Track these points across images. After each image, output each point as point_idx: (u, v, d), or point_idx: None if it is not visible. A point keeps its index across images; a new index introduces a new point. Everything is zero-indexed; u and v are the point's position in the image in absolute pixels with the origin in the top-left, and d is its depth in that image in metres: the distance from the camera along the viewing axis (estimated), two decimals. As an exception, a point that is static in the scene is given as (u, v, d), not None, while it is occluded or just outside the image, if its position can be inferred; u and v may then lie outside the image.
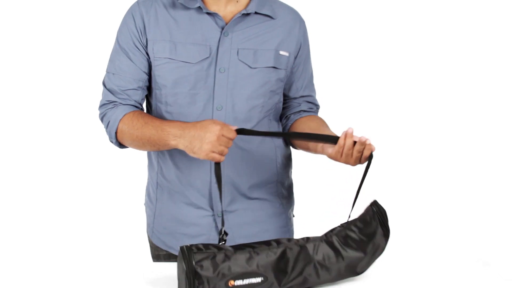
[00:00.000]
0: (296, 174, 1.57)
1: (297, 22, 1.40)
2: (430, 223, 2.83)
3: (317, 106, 1.52)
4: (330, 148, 1.21)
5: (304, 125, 1.40)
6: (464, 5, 2.83)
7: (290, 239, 1.12)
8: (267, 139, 1.39)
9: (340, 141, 1.16)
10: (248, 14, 1.31)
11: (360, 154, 1.16)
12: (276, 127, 1.43)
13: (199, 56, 1.28)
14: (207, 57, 1.29)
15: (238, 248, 1.08)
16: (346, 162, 1.19)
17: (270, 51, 1.33)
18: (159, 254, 1.46)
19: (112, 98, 1.32)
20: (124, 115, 1.30)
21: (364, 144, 1.15)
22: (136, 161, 2.12)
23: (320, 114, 1.52)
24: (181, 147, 1.22)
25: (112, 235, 2.74)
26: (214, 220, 1.36)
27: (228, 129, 1.18)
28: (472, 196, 2.88)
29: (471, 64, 2.88)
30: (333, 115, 1.67)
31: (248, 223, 1.38)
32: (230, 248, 1.07)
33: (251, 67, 1.31)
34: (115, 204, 2.83)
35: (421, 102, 2.88)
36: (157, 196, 1.43)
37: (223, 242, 1.15)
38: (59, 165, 2.88)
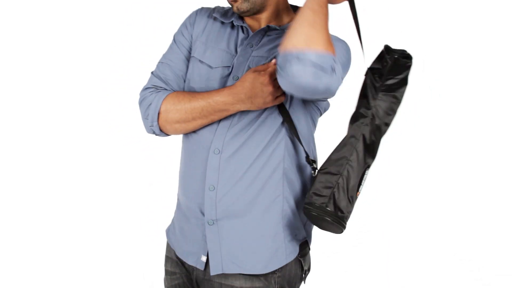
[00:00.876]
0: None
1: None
2: (428, 223, 2.85)
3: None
4: None
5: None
6: (462, 5, 2.85)
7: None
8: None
9: None
10: (279, 31, 1.31)
11: None
12: (291, 148, 1.33)
13: (221, 63, 1.31)
14: (228, 66, 1.30)
15: (329, 170, 1.24)
16: None
17: None
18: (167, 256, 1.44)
19: (157, 83, 1.35)
20: (166, 96, 1.30)
21: None
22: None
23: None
24: (243, 109, 1.25)
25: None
26: (203, 231, 1.31)
27: (271, 70, 1.18)
28: (470, 197, 2.90)
29: (469, 65, 2.89)
30: (332, 115, 1.68)
31: (234, 245, 1.30)
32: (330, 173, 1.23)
33: None
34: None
35: (419, 104, 2.90)
36: (178, 194, 1.43)
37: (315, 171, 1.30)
38: (77, 170, 2.90)
